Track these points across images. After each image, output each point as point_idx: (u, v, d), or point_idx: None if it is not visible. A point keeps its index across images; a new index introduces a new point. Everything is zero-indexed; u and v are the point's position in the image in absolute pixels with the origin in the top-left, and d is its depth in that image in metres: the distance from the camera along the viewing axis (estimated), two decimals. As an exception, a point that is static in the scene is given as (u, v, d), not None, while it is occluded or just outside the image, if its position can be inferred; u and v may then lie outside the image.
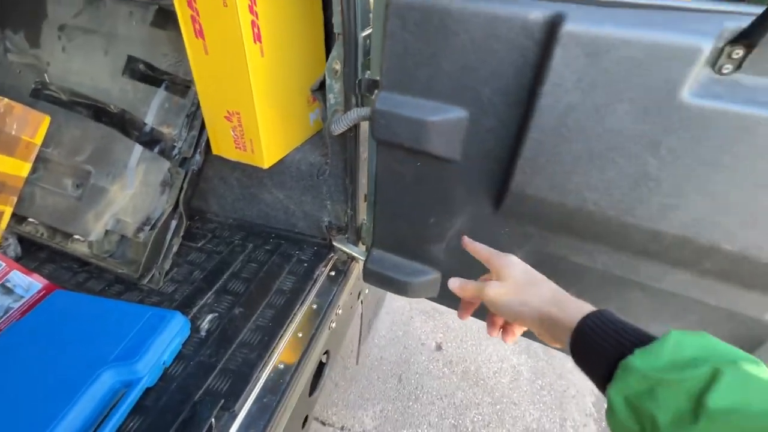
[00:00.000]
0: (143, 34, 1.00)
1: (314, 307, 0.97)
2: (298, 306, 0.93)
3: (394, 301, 2.18)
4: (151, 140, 1.01)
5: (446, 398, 1.75)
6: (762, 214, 0.49)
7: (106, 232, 1.00)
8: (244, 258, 1.06)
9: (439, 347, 1.96)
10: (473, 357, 1.92)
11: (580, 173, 0.57)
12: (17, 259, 1.02)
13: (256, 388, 0.77)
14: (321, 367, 1.04)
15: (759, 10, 0.43)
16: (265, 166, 0.93)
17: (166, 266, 0.98)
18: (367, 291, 1.35)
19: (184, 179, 0.97)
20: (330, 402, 1.72)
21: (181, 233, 1.00)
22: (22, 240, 1.06)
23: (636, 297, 0.71)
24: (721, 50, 0.47)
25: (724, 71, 0.47)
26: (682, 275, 0.63)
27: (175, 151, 0.99)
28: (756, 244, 0.52)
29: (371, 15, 0.73)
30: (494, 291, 0.49)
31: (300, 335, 0.90)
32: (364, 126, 0.86)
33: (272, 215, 1.13)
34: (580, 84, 0.51)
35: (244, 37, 0.75)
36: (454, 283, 0.56)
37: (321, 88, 0.87)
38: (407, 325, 2.06)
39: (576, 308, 0.42)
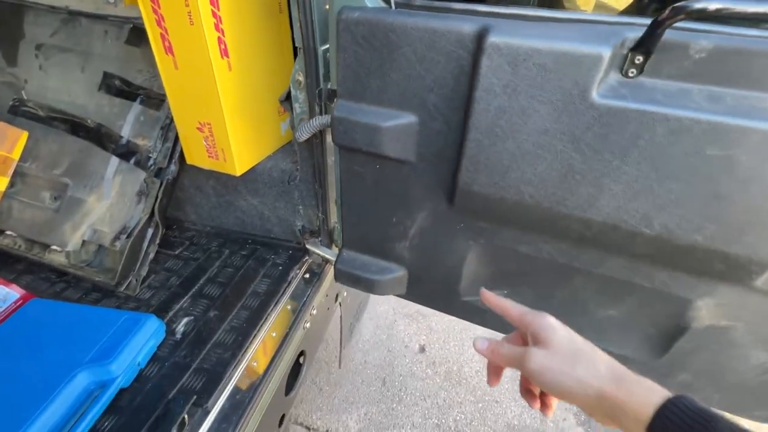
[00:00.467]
0: (118, 51, 1.05)
1: (288, 308, 1.00)
2: (272, 307, 0.97)
3: (377, 305, 2.22)
4: (127, 152, 1.05)
5: (429, 399, 1.78)
6: (668, 200, 0.55)
7: (84, 243, 1.03)
8: (220, 263, 1.10)
9: (422, 349, 2.00)
10: (456, 357, 1.96)
11: (516, 169, 0.63)
12: (-5, 272, 1.04)
13: (229, 385, 0.80)
14: (298, 368, 1.07)
15: (649, 22, 0.49)
16: (237, 173, 0.98)
17: (143, 273, 1.01)
18: (345, 294, 1.39)
19: (160, 188, 1.01)
20: (315, 406, 1.73)
21: (157, 241, 1.03)
22: (-1, 253, 1.08)
23: (580, 283, 0.77)
24: (626, 57, 0.53)
25: (630, 75, 0.54)
26: (618, 260, 0.69)
27: (151, 161, 1.03)
28: (668, 228, 0.58)
29: (330, 30, 0.79)
30: (538, 362, 0.42)
31: (274, 335, 0.93)
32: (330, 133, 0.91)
33: (248, 222, 1.17)
34: (506, 89, 0.57)
35: (210, 53, 0.80)
36: (482, 345, 0.49)
37: (288, 99, 0.92)
38: (391, 329, 2.09)
39: (645, 391, 0.37)
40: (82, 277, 1.01)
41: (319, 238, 1.10)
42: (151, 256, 1.02)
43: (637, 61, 0.53)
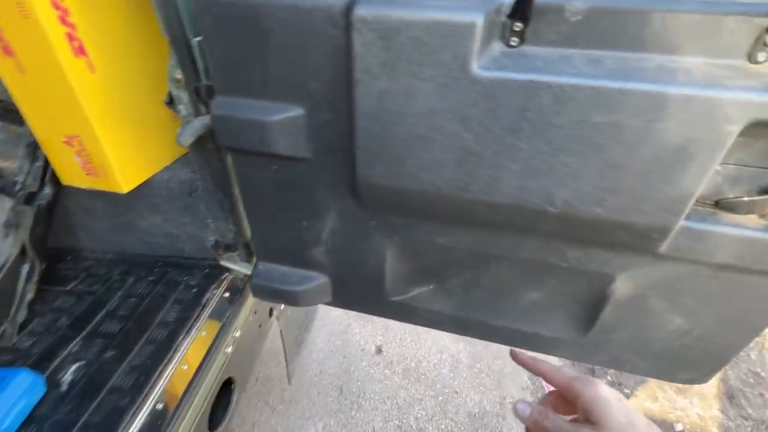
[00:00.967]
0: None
1: (204, 334, 0.90)
2: (182, 336, 0.86)
3: (330, 310, 2.13)
4: (-15, 178, 0.88)
5: (389, 400, 1.73)
6: (565, 175, 0.52)
7: (-60, 291, 0.85)
8: (122, 294, 0.96)
9: (379, 350, 1.94)
10: (413, 353, 1.92)
11: (411, 156, 0.57)
12: None
13: (127, 436, 0.69)
14: (230, 396, 0.97)
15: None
16: (124, 190, 0.85)
17: (20, 319, 0.86)
18: (283, 306, 1.29)
19: (32, 217, 0.86)
20: (268, 429, 1.62)
21: (36, 278, 0.88)
22: None
23: (502, 269, 0.73)
24: (505, 25, 0.49)
25: (512, 44, 0.50)
26: (532, 242, 0.66)
27: (18, 186, 0.88)
28: (570, 203, 0.55)
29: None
30: None
31: (185, 368, 0.82)
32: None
33: (153, 242, 1.04)
34: (384, 68, 0.51)
35: (58, 51, 0.67)
36: (524, 412, 0.45)
37: (173, 101, 0.81)
38: (345, 333, 2.02)
39: None
40: (-59, 332, 0.84)
41: (237, 252, 1.00)
42: (30, 296, 0.87)
43: (516, 29, 0.49)
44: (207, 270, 1.03)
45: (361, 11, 0.48)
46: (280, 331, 1.34)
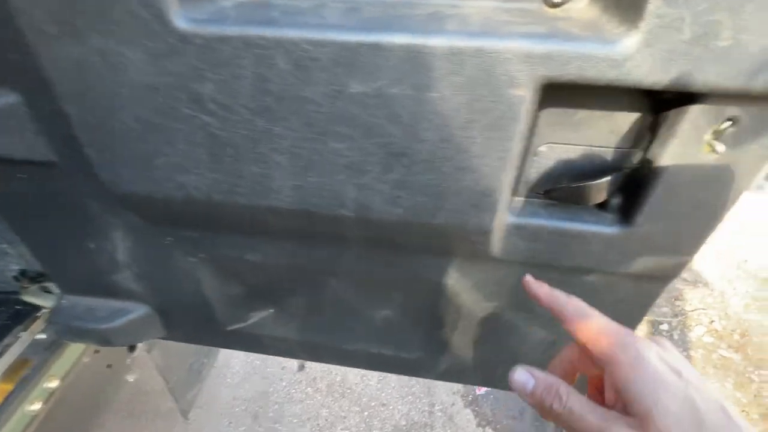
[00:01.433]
0: None
1: (-8, 392, 0.70)
2: (-46, 400, 0.66)
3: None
4: None
5: (310, 421, 1.58)
6: (342, 167, 0.39)
7: None
8: None
9: (302, 367, 1.78)
10: (338, 368, 1.78)
11: (153, 152, 0.42)
12: None
13: None
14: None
15: None
16: None
17: None
18: (155, 335, 1.10)
19: None
20: (167, 473, 1.42)
21: None
22: None
23: (341, 286, 0.60)
24: None
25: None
26: (355, 253, 0.53)
27: None
28: (364, 205, 0.42)
29: None
30: None
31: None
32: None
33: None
34: (61, 26, 0.35)
35: None
36: (525, 385, 0.30)
37: None
38: (265, 352, 1.84)
39: None
40: None
41: (47, 283, 0.80)
42: None
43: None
44: (18, 307, 0.83)
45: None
46: (157, 365, 1.15)
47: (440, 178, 0.38)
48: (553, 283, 0.51)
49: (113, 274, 0.65)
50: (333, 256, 0.54)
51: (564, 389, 0.28)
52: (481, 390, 1.67)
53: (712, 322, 1.87)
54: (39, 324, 0.81)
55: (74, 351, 0.83)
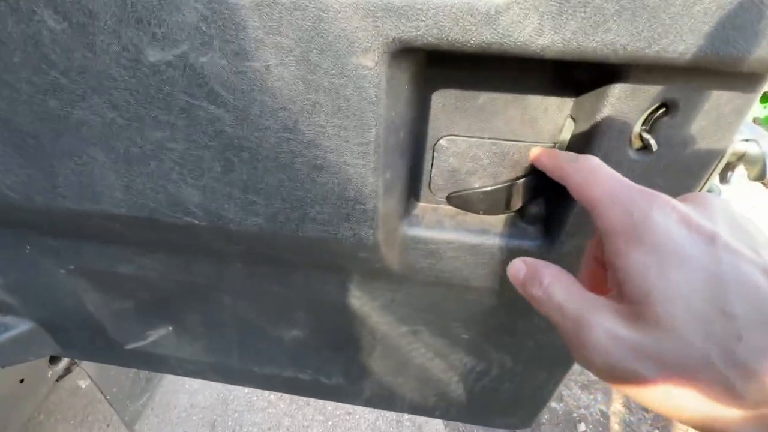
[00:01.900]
0: None
1: None
2: None
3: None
4: None
5: (271, 431, 1.50)
6: (172, 164, 0.30)
7: None
8: None
9: (266, 372, 1.70)
10: (305, 372, 1.70)
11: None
12: None
13: None
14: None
15: None
16: None
17: None
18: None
19: None
20: (113, 487, 1.34)
21: None
22: None
23: (238, 302, 0.51)
24: None
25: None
26: (235, 268, 0.44)
27: None
28: (214, 212, 0.33)
29: None
30: (606, 331, 0.18)
31: None
32: None
33: None
34: None
35: None
36: (517, 272, 0.25)
37: None
38: (229, 356, 1.76)
39: None
40: None
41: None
42: None
43: None
44: None
45: None
46: (89, 375, 1.07)
47: (294, 179, 0.29)
48: (470, 306, 0.42)
49: (-19, 286, 0.56)
50: (217, 271, 0.45)
51: (547, 273, 0.23)
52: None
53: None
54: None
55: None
